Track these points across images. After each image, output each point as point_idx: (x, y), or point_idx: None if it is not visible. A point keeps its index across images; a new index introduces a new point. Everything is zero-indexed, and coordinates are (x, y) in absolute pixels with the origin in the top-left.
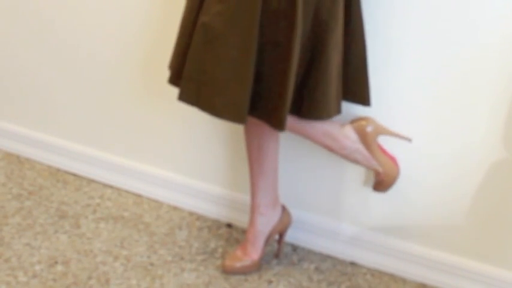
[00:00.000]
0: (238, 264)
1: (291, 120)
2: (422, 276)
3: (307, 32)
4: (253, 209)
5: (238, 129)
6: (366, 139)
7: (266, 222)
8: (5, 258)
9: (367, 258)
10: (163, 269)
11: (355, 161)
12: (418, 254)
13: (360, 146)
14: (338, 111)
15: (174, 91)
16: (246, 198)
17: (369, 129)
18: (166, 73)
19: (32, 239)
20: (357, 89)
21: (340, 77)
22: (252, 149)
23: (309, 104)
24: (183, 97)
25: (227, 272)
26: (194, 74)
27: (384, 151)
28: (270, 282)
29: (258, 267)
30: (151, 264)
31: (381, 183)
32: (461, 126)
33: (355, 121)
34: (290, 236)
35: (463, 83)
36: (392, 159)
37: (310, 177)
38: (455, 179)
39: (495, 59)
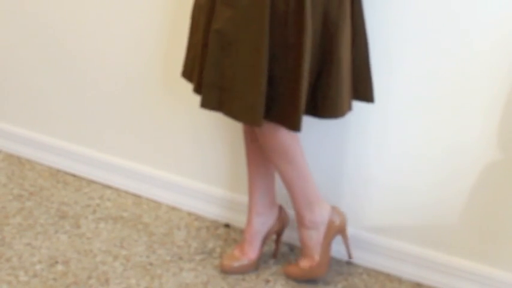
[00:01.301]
0: (236, 264)
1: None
2: (417, 275)
3: (318, 32)
4: (250, 210)
5: (237, 130)
6: (331, 228)
7: (263, 222)
8: (6, 257)
9: (363, 257)
10: (162, 268)
11: (304, 238)
12: (414, 254)
13: (322, 229)
14: (350, 107)
15: (175, 93)
16: (244, 198)
17: (337, 222)
18: (167, 75)
19: (33, 239)
20: (360, 86)
21: (350, 74)
22: (251, 152)
23: (323, 103)
24: (206, 104)
25: (225, 271)
26: (215, 80)
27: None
28: (267, 281)
29: (255, 266)
30: (151, 264)
31: (301, 270)
32: (455, 127)
33: (334, 208)
34: (287, 236)
35: (458, 84)
36: (328, 262)
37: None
38: (449, 180)
39: (489, 61)
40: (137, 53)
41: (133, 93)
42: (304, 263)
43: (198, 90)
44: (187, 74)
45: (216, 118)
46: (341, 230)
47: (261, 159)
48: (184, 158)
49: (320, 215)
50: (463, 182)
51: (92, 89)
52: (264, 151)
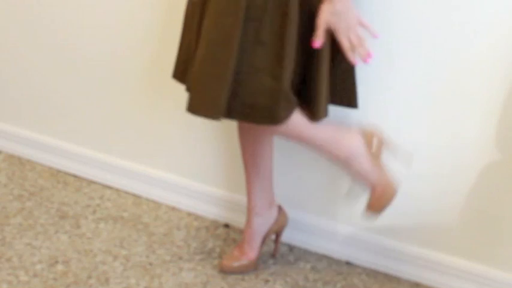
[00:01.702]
0: (235, 264)
1: (293, 123)
2: (416, 275)
3: (301, 31)
4: (249, 210)
5: (236, 131)
6: (371, 148)
7: (262, 223)
8: (7, 257)
9: (362, 258)
10: (161, 268)
11: (356, 170)
12: (412, 254)
13: (363, 153)
14: (327, 114)
15: (174, 93)
16: (243, 199)
17: (376, 139)
18: (166, 75)
19: (33, 239)
20: (344, 92)
21: (328, 79)
22: (247, 151)
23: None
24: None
25: (225, 271)
26: (193, 80)
27: (384, 167)
28: (266, 281)
29: (255, 266)
30: (150, 264)
31: (377, 201)
32: (454, 127)
33: (362, 129)
34: (286, 236)
35: (456, 85)
36: (391, 177)
37: (307, 178)
38: (448, 180)
39: (488, 62)
40: (138, 54)
41: (133, 93)
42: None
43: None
44: (178, 75)
45: (216, 120)
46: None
47: (258, 159)
48: (184, 159)
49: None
50: (462, 182)
51: (92, 90)
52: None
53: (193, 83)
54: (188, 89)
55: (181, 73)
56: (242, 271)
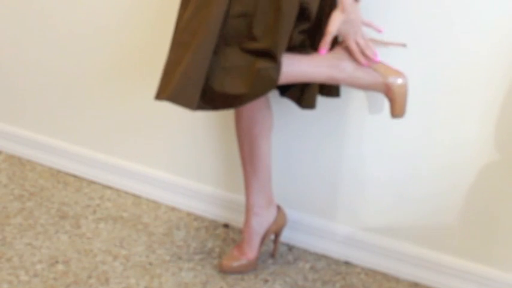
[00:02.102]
0: (235, 264)
1: (287, 63)
2: (414, 275)
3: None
4: (248, 210)
5: (234, 130)
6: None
7: (261, 223)
8: (7, 257)
9: (361, 257)
10: (161, 268)
11: (361, 81)
12: (411, 254)
13: (353, 62)
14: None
15: None
16: (243, 199)
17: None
18: None
19: (33, 238)
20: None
21: None
22: (245, 151)
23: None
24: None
25: (224, 271)
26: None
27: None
28: (266, 281)
29: (254, 266)
30: (150, 264)
31: (395, 97)
32: (452, 128)
33: (339, 43)
34: (286, 236)
35: (455, 86)
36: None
37: (306, 178)
38: (446, 180)
39: (486, 62)
40: (137, 55)
41: (133, 94)
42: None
43: None
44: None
45: (214, 119)
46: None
47: (256, 159)
48: (184, 159)
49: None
50: (460, 182)
51: (92, 91)
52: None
53: (165, 71)
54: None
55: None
56: (241, 271)
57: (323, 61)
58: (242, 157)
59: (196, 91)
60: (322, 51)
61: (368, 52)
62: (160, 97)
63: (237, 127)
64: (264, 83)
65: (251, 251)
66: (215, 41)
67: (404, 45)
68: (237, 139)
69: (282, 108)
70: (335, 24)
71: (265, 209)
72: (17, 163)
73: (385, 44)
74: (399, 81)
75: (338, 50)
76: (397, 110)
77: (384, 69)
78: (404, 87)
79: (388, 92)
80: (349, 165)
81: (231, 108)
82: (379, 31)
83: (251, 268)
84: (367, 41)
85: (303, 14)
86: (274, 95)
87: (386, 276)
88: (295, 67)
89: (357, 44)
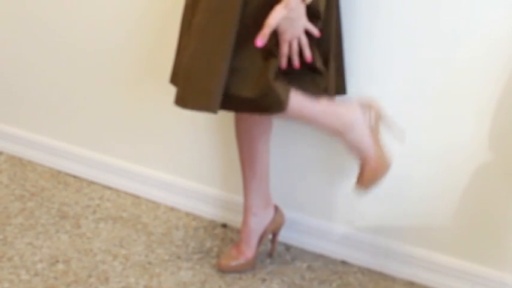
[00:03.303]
0: (233, 263)
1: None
2: (410, 274)
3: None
4: (246, 210)
5: (233, 132)
6: (369, 119)
7: (259, 222)
8: (8, 257)
9: (357, 257)
10: (160, 267)
11: (354, 142)
12: (407, 253)
13: (361, 124)
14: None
15: (173, 95)
16: (241, 199)
17: (373, 112)
18: (165, 76)
19: (34, 238)
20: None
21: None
22: (244, 151)
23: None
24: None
25: (222, 270)
26: (182, 73)
27: (381, 141)
28: (263, 280)
29: (252, 265)
30: (149, 263)
31: (370, 174)
32: (447, 128)
33: (360, 100)
34: (283, 236)
35: (449, 87)
36: (386, 153)
37: (303, 179)
38: (442, 180)
39: (481, 63)
40: (137, 56)
41: (133, 95)
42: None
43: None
44: (174, 80)
45: (214, 120)
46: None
47: (255, 159)
48: (183, 160)
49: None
50: (455, 182)
51: (92, 92)
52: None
53: (186, 77)
54: (177, 83)
55: (177, 78)
56: (239, 270)
57: (328, 109)
58: (241, 158)
59: (220, 96)
60: (258, 43)
61: (295, 58)
62: (194, 107)
63: (236, 128)
64: (272, 99)
65: (249, 251)
66: (233, 44)
67: (402, 141)
68: (236, 140)
69: None
70: (275, 17)
71: (263, 209)
72: (18, 164)
73: (389, 126)
74: (386, 166)
75: (355, 105)
76: (365, 182)
77: (380, 150)
78: (384, 174)
79: (368, 166)
80: (345, 167)
81: (237, 111)
82: (316, 35)
83: (249, 267)
84: (304, 46)
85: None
86: None
87: (382, 276)
88: (307, 105)
89: (290, 46)
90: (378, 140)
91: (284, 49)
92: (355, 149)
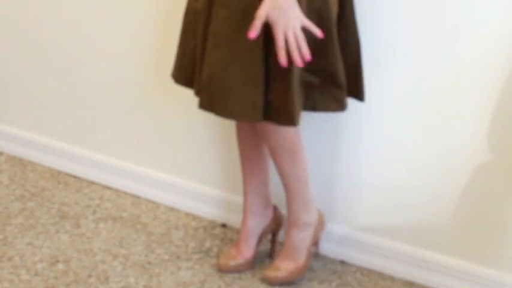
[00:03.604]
0: (232, 263)
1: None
2: (409, 274)
3: (311, 34)
4: (245, 210)
5: (233, 132)
6: (317, 230)
7: (258, 222)
8: (8, 257)
9: (356, 257)
10: (160, 267)
11: (295, 240)
12: (406, 253)
13: (311, 230)
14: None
15: (172, 95)
16: (240, 199)
17: (319, 224)
18: (164, 77)
19: (34, 238)
20: (352, 85)
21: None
22: (244, 152)
23: (322, 99)
24: (200, 105)
25: (222, 270)
26: (206, 82)
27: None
28: (263, 280)
29: (251, 265)
30: (149, 263)
31: (292, 273)
32: (446, 129)
33: (318, 210)
34: (283, 236)
35: (449, 87)
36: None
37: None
38: (440, 180)
39: (480, 65)
40: (136, 57)
41: (132, 96)
42: (288, 265)
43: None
44: (184, 79)
45: (213, 120)
46: (319, 232)
47: (255, 159)
48: (182, 160)
49: (313, 217)
50: (454, 182)
51: (92, 92)
52: (270, 151)
53: (223, 89)
54: (201, 92)
55: (187, 78)
56: (239, 270)
57: (306, 185)
58: (241, 158)
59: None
60: (250, 35)
61: (294, 52)
62: (242, 118)
63: (237, 129)
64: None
65: (248, 250)
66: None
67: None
68: (237, 140)
69: None
70: (263, 8)
71: (262, 209)
72: (18, 164)
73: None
74: (301, 274)
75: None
76: (282, 276)
77: (309, 257)
78: (296, 280)
79: (293, 265)
80: (344, 166)
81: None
82: (319, 36)
83: (248, 267)
84: (300, 40)
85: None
86: None
87: (381, 275)
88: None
89: (286, 38)
90: (310, 251)
91: (279, 41)
92: (292, 243)
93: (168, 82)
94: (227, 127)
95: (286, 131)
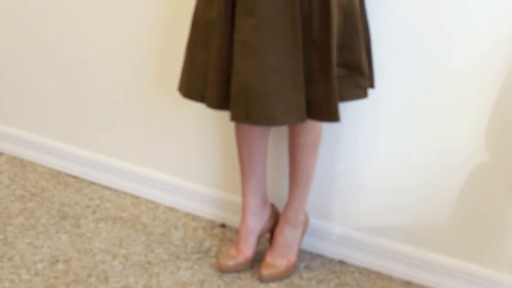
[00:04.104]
0: (232, 263)
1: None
2: (407, 274)
3: (340, 30)
4: (244, 209)
5: (232, 133)
6: (305, 227)
7: (257, 221)
8: (9, 256)
9: (355, 257)
10: (159, 267)
11: (289, 237)
12: (404, 253)
13: (302, 227)
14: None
15: (172, 96)
16: (239, 199)
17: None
18: (165, 78)
19: (35, 238)
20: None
21: None
22: (244, 152)
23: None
24: (235, 117)
25: (222, 270)
26: (240, 92)
27: None
28: (261, 280)
29: (251, 265)
30: (149, 263)
31: (284, 271)
32: (444, 130)
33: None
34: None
35: (446, 89)
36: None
37: None
38: (438, 181)
39: (477, 66)
40: (136, 56)
41: (132, 97)
42: (282, 262)
43: (221, 105)
44: (194, 94)
45: (214, 121)
46: (305, 232)
47: (257, 159)
48: (182, 160)
49: (305, 215)
50: (452, 183)
51: (92, 93)
52: (296, 148)
53: (263, 97)
54: (216, 106)
55: (198, 92)
56: (238, 269)
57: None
58: (241, 158)
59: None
60: None
61: None
62: (286, 122)
63: (237, 129)
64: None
65: (248, 250)
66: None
67: None
68: (237, 141)
69: None
70: None
71: (261, 207)
72: (19, 164)
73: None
74: (291, 271)
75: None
76: (279, 276)
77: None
78: (286, 276)
79: (289, 264)
80: (343, 167)
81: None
82: None
83: (248, 266)
84: None
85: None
86: None
87: (379, 275)
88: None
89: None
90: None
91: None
92: (286, 240)
93: (169, 83)
94: (227, 127)
95: (318, 127)
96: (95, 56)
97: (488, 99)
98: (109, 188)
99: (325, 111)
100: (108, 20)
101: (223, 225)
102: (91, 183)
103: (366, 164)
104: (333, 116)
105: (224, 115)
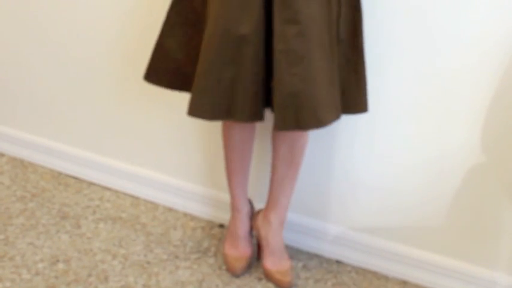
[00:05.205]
0: (241, 264)
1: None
2: (404, 274)
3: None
4: (236, 209)
5: None
6: None
7: (248, 218)
8: (10, 256)
9: (352, 256)
10: (159, 266)
11: (280, 239)
12: (400, 253)
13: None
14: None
15: (172, 98)
16: None
17: None
18: None
19: (35, 238)
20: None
21: None
22: (237, 149)
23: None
24: (283, 126)
25: (237, 274)
26: (288, 100)
27: None
28: (260, 279)
29: (252, 258)
30: (148, 263)
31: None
32: (441, 132)
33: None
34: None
35: (443, 91)
36: None
37: (298, 179)
38: (435, 182)
39: (474, 70)
40: (137, 58)
41: (133, 98)
42: (286, 264)
43: (253, 117)
44: (220, 112)
45: (212, 122)
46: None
47: (248, 156)
48: (181, 161)
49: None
50: (448, 183)
51: (92, 94)
52: (296, 150)
53: (312, 101)
54: (281, 112)
55: (224, 110)
56: (249, 267)
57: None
58: (232, 156)
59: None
60: None
61: None
62: (331, 122)
63: (228, 128)
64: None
65: (249, 246)
66: None
67: None
68: (229, 139)
69: None
70: None
71: (247, 204)
72: (20, 165)
73: None
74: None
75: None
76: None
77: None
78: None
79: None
80: (340, 167)
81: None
82: None
83: (253, 260)
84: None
85: None
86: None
87: (376, 275)
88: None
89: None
90: None
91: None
92: (279, 243)
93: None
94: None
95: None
96: (96, 58)
97: (485, 103)
98: (109, 189)
99: (358, 103)
100: (109, 22)
101: (221, 226)
102: (91, 184)
103: (362, 164)
104: (364, 106)
105: None
